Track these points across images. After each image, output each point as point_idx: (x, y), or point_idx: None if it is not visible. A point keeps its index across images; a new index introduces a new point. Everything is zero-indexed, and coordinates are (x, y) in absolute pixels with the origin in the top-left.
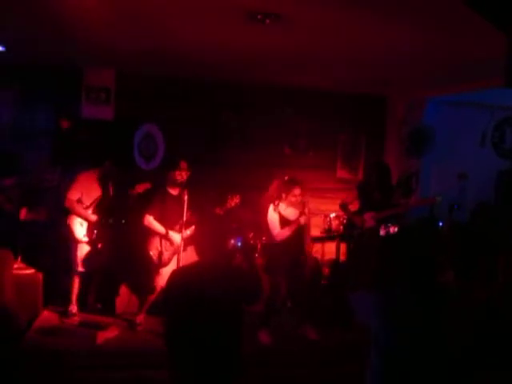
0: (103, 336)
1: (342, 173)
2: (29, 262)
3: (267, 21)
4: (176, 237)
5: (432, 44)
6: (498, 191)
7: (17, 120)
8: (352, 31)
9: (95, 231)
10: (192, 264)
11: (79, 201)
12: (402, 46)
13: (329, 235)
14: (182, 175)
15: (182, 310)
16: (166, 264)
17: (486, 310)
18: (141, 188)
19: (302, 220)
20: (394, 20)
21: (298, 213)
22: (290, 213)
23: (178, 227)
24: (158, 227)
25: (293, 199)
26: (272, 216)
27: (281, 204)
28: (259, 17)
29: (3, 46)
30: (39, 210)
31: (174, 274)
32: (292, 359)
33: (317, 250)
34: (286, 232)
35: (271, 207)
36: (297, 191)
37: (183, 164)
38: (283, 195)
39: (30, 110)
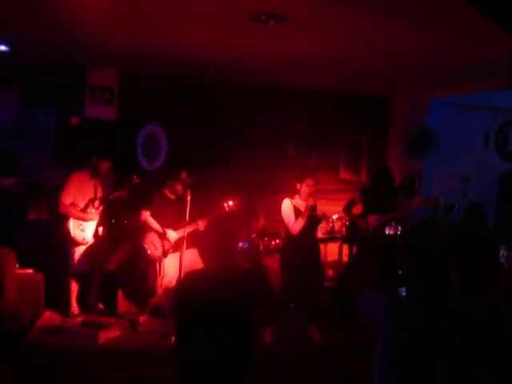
0: (105, 336)
1: (345, 174)
2: (31, 262)
3: (271, 22)
4: (172, 234)
5: (435, 45)
6: (501, 193)
7: (20, 120)
8: (354, 33)
9: (100, 229)
10: (201, 270)
11: (73, 204)
12: (405, 47)
13: (331, 236)
14: (182, 185)
15: (191, 313)
16: (161, 258)
17: (487, 310)
18: (115, 195)
19: (311, 201)
20: (397, 21)
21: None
22: (302, 205)
23: (175, 227)
24: (155, 224)
25: (307, 189)
26: (285, 208)
27: (296, 198)
28: (263, 18)
29: (7, 45)
30: (42, 209)
31: (183, 279)
32: (294, 359)
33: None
34: (301, 222)
35: (284, 201)
36: (310, 181)
37: (184, 175)
38: (298, 185)
39: (33, 110)
